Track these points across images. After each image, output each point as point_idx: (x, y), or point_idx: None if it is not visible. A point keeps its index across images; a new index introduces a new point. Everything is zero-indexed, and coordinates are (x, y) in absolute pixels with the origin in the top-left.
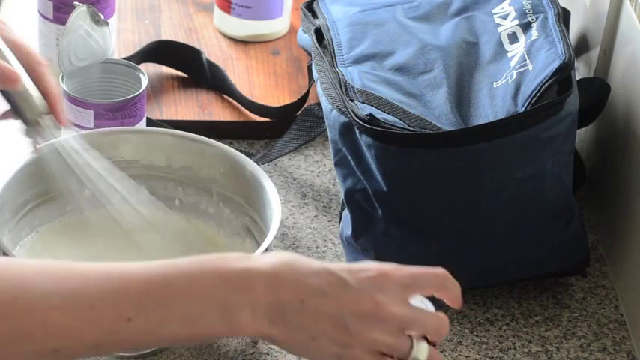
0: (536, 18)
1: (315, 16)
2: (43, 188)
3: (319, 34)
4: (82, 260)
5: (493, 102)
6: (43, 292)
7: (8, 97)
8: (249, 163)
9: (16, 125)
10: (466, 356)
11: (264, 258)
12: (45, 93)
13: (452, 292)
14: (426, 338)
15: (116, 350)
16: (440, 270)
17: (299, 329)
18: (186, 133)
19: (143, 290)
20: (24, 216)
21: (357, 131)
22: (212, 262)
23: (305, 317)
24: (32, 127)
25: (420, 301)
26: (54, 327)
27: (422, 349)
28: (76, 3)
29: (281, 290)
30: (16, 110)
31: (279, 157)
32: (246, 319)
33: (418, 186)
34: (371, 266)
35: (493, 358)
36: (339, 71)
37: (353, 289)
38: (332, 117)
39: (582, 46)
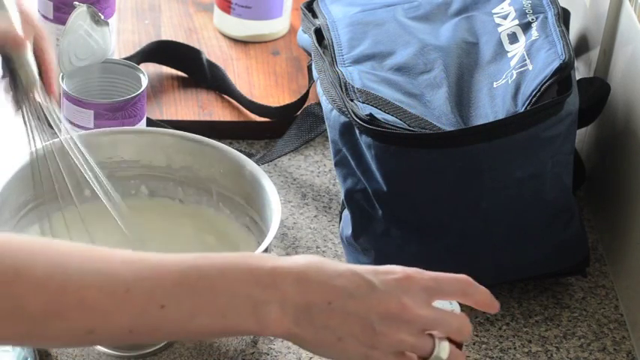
0: (536, 18)
1: (315, 16)
2: (43, 188)
3: (319, 34)
4: None
5: (493, 102)
6: (80, 271)
7: (7, 61)
8: (249, 163)
9: (6, 94)
10: (466, 356)
11: (292, 259)
12: (40, 63)
13: (476, 297)
14: (448, 339)
15: (149, 339)
16: (463, 276)
17: (325, 330)
18: (186, 133)
19: (177, 280)
20: (24, 216)
21: (357, 131)
22: (243, 258)
23: (332, 318)
24: (23, 95)
25: (448, 303)
26: (89, 306)
27: (444, 347)
28: (76, 3)
29: (308, 291)
30: (12, 76)
31: (279, 157)
32: (275, 317)
33: (418, 186)
34: (396, 269)
35: (493, 358)
36: (339, 71)
37: (379, 292)
38: (332, 117)
39: (582, 46)
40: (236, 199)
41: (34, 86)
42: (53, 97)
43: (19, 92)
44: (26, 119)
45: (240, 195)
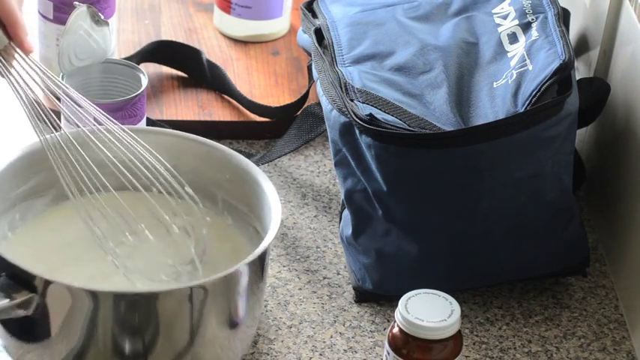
0: (536, 18)
1: (315, 16)
2: (38, 182)
3: (319, 34)
4: (71, 246)
5: (493, 102)
6: None
7: None
8: (252, 167)
9: None
10: (466, 356)
11: None
12: (4, 21)
13: None
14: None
15: None
16: None
17: None
18: (193, 135)
19: None
20: (16, 208)
21: (357, 131)
22: None
23: None
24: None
25: (444, 299)
26: None
27: None
28: (76, 3)
29: None
30: None
31: (279, 157)
32: None
33: (418, 186)
34: None
35: (493, 358)
36: (339, 71)
37: None
38: (332, 117)
39: (582, 46)
40: (240, 207)
41: (2, 44)
42: (26, 53)
43: None
44: (16, 89)
45: (243, 202)
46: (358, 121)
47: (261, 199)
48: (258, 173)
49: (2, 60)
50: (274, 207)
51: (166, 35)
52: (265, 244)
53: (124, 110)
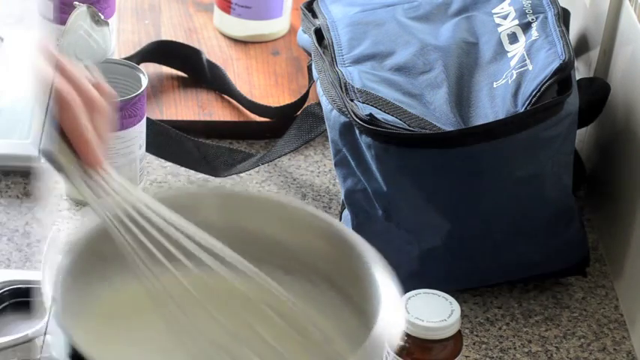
0: (536, 18)
1: (315, 16)
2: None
3: (319, 34)
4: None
5: (493, 102)
6: None
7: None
8: (368, 250)
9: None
10: (466, 356)
11: None
12: (70, 137)
13: None
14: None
15: None
16: None
17: None
18: (311, 207)
19: None
20: (116, 266)
21: (357, 131)
22: None
23: None
24: (72, 176)
25: (444, 299)
26: None
27: None
28: (76, 3)
29: None
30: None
31: (279, 157)
32: None
33: (418, 186)
34: None
35: (493, 358)
36: (339, 71)
37: None
38: (332, 117)
39: (582, 46)
40: (349, 290)
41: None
42: (100, 169)
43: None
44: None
45: (352, 285)
46: (358, 121)
47: (371, 285)
48: (374, 259)
49: (76, 179)
50: (385, 295)
51: (166, 35)
52: (378, 341)
53: (124, 110)
